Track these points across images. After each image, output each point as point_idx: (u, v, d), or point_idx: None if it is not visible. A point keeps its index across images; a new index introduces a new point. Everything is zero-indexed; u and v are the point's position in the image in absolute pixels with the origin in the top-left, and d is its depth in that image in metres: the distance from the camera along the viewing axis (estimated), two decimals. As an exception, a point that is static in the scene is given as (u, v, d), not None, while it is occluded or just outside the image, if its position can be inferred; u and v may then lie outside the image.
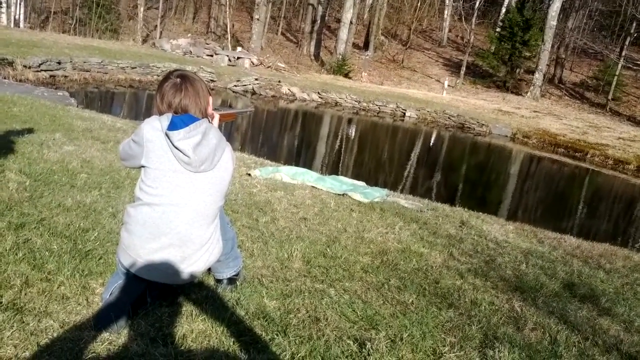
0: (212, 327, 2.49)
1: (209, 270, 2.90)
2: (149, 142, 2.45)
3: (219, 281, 2.93)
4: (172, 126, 2.42)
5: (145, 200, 2.48)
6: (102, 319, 2.38)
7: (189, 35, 33.57)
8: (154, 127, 2.46)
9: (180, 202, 2.49)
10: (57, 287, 2.61)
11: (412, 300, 3.20)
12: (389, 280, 3.45)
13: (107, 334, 2.33)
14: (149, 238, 2.48)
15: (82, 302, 2.54)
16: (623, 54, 33.27)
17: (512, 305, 3.42)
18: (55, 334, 2.28)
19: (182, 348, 2.33)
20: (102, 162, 4.91)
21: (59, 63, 15.27)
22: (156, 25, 34.89)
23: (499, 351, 2.73)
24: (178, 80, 2.54)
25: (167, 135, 2.43)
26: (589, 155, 17.41)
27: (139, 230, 2.49)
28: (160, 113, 2.53)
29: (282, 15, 38.60)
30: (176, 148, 2.42)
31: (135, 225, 2.49)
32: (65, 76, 15.36)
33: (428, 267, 3.85)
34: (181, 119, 2.44)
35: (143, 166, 2.49)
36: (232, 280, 2.93)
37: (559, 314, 3.41)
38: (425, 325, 2.88)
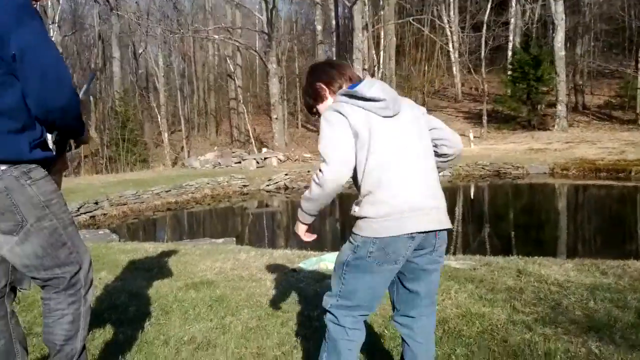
0: None
1: None
2: (354, 121, 2.27)
3: None
4: (353, 86, 2.36)
5: (379, 165, 2.28)
6: None
7: (215, 148, 34.60)
8: (342, 106, 2.30)
9: (402, 153, 2.32)
10: None
11: (483, 366, 3.06)
12: (455, 350, 3.32)
13: None
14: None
15: None
16: (639, 66, 33.00)
17: (588, 348, 3.24)
18: None
19: None
20: (148, 291, 4.94)
21: (96, 203, 15.73)
22: (182, 147, 36.20)
23: (586, 401, 2.57)
24: (334, 59, 2.53)
25: (354, 94, 2.30)
26: (632, 173, 16.95)
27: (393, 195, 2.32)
28: (336, 92, 2.45)
29: (299, 109, 39.57)
30: (369, 99, 2.28)
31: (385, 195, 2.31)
32: (105, 214, 15.80)
33: (493, 327, 3.70)
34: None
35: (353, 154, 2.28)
36: None
37: (641, 347, 3.21)
38: (501, 389, 2.74)
